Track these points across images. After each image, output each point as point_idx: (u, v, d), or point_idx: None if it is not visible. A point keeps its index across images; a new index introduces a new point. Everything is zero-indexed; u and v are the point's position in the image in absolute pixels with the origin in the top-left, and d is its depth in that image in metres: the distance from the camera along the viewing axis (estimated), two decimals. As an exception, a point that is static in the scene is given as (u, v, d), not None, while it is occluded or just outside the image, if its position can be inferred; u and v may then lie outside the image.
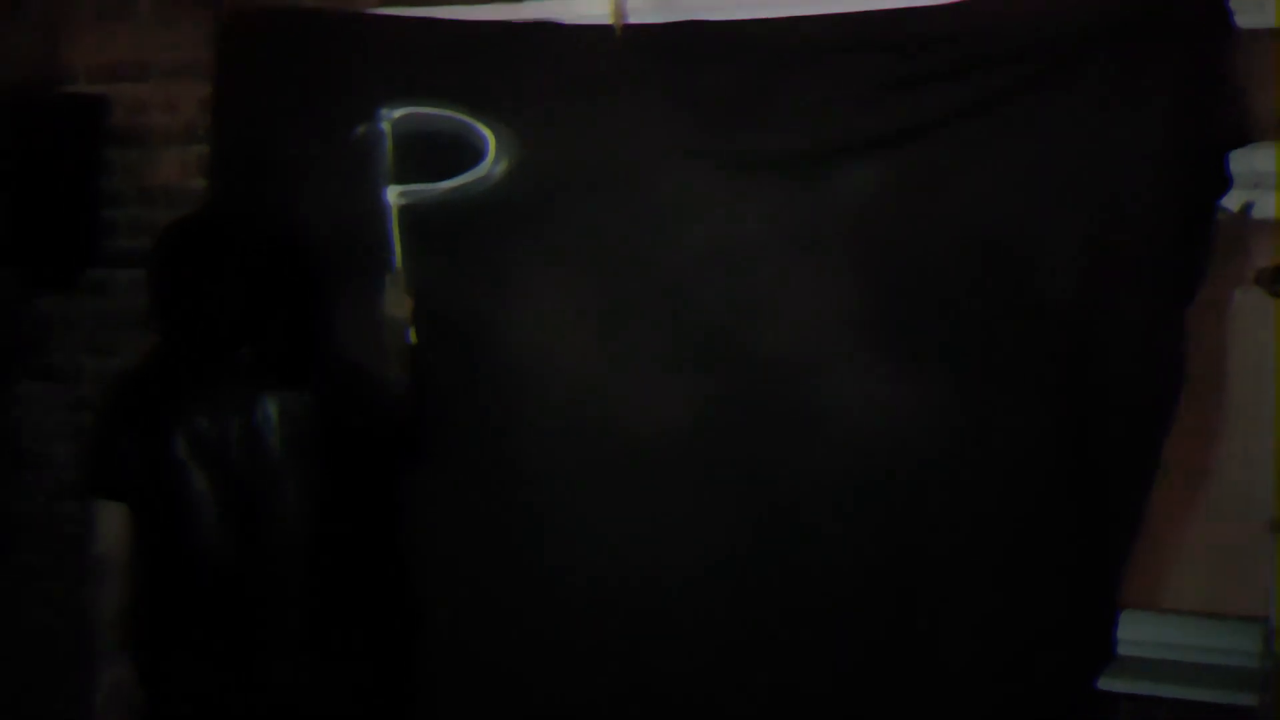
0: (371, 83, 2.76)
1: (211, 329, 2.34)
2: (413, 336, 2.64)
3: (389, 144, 2.74)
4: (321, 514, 2.35)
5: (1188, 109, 2.30)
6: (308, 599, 2.34)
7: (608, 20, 2.63)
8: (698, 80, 2.57)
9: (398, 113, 2.74)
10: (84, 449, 2.42)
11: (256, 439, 2.32)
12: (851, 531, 2.52)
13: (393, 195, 2.75)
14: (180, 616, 2.35)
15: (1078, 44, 2.37)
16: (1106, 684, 2.50)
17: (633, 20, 2.63)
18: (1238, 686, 2.47)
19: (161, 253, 2.41)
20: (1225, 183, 2.34)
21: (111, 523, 2.36)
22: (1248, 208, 2.41)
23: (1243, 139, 2.32)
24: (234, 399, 2.33)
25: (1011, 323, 2.42)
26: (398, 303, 2.64)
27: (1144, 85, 2.33)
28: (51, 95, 3.14)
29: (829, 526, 2.53)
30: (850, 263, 2.50)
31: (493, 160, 2.69)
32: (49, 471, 3.26)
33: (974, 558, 2.46)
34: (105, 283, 3.18)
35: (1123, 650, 2.54)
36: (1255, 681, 2.43)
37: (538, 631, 2.64)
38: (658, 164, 2.59)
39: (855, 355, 2.50)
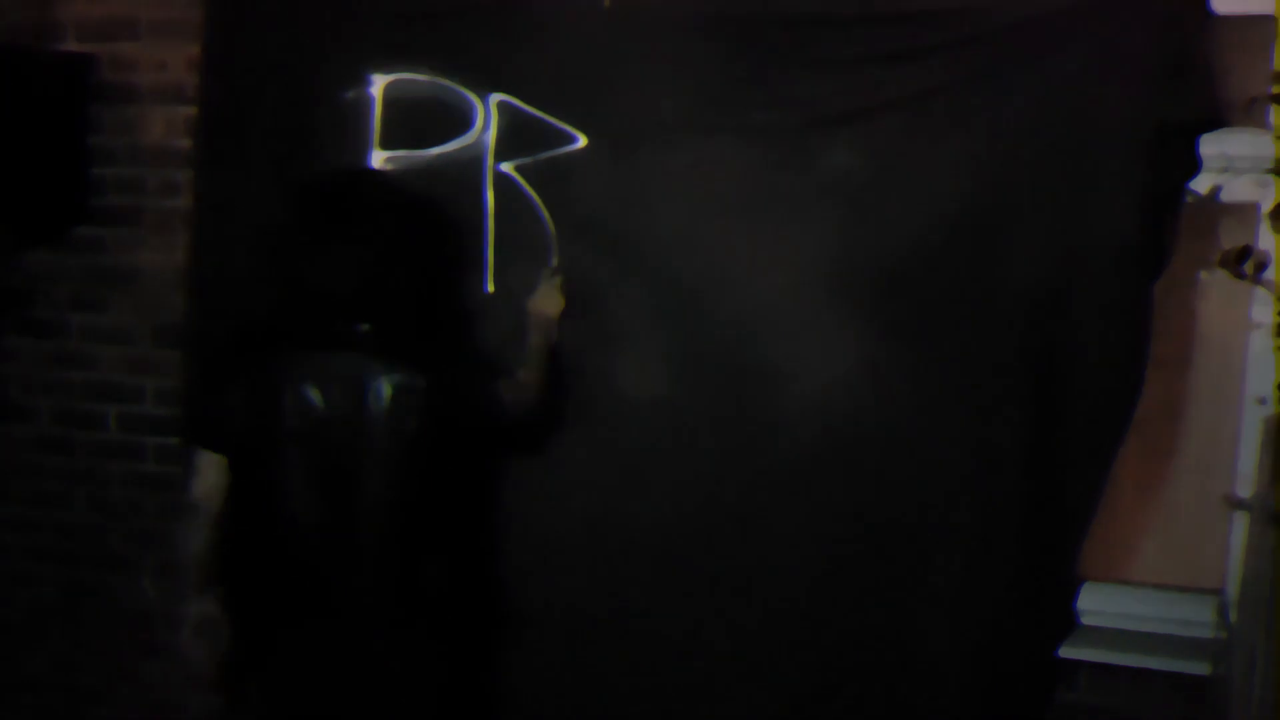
0: (360, 47, 2.78)
1: (334, 297, 2.28)
2: (557, 334, 2.62)
3: (377, 109, 2.76)
4: (410, 498, 2.32)
5: (1162, 92, 2.34)
6: (384, 575, 2.32)
7: (599, -7, 2.65)
8: (684, 54, 2.59)
9: (387, 78, 2.76)
10: (189, 396, 2.40)
11: (362, 417, 2.28)
12: (815, 499, 2.57)
13: (378, 160, 2.78)
14: (261, 571, 2.35)
15: (1056, 24, 2.40)
16: (1068, 652, 2.56)
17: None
18: (1194, 656, 2.52)
19: (291, 213, 2.35)
20: (1195, 165, 2.39)
21: (209, 472, 2.37)
22: (1216, 191, 2.45)
23: (1215, 123, 2.36)
24: (346, 373, 2.29)
25: (981, 297, 2.46)
26: (550, 300, 2.62)
27: (1119, 67, 2.36)
28: (41, 52, 3.12)
29: (793, 492, 2.58)
30: (826, 234, 2.54)
31: (480, 128, 2.72)
32: (33, 424, 3.28)
33: (937, 528, 2.51)
34: (92, 239, 3.18)
35: (1084, 620, 2.63)
36: (1210, 651, 2.49)
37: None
38: (642, 135, 2.62)
39: (826, 323, 2.54)
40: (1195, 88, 2.34)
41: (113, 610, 3.25)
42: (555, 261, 2.67)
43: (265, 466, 2.31)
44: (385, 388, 2.28)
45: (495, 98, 2.71)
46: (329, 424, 2.28)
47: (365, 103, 2.77)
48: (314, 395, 2.28)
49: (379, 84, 2.77)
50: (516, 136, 2.70)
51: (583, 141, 2.66)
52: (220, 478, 2.37)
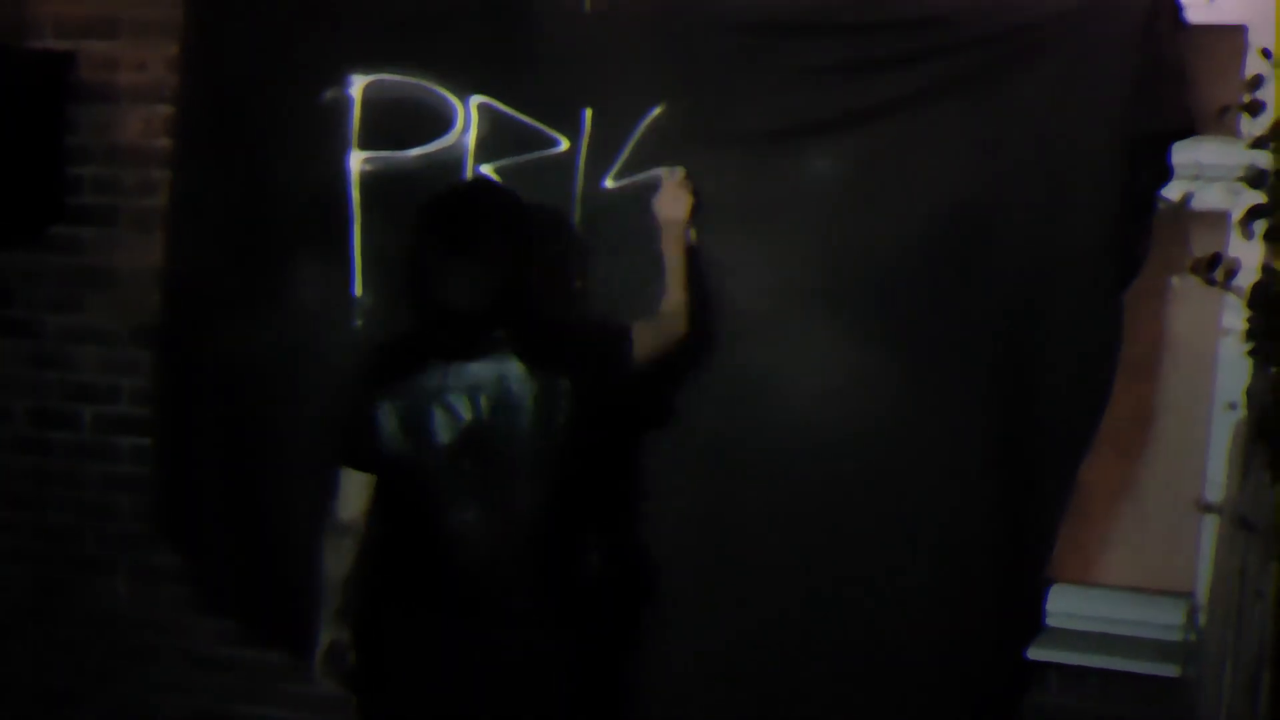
0: (340, 48, 2.78)
1: (471, 307, 2.25)
2: (693, 235, 2.56)
3: (356, 110, 2.76)
4: (566, 496, 2.32)
5: (1135, 100, 2.36)
6: (546, 577, 2.32)
7: (581, -6, 2.66)
8: (666, 58, 2.60)
9: (366, 79, 2.76)
10: (340, 417, 2.37)
11: (510, 422, 2.27)
12: (786, 501, 2.59)
13: (357, 161, 2.78)
14: (410, 582, 2.35)
15: (1031, 32, 2.42)
16: (1037, 654, 2.58)
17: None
18: (1163, 658, 2.53)
19: (421, 226, 2.31)
20: (1167, 173, 2.42)
21: (357, 492, 2.37)
22: (1187, 198, 2.47)
23: (1187, 131, 2.39)
24: (489, 380, 2.28)
25: (955, 301, 2.48)
26: (675, 201, 2.55)
27: (1093, 75, 2.39)
28: (18, 50, 3.10)
29: (764, 494, 2.60)
30: (804, 241, 2.55)
31: (460, 129, 2.72)
32: (8, 425, 3.25)
33: (908, 528, 2.53)
34: (70, 239, 3.16)
35: (1053, 622, 2.64)
36: (1179, 654, 2.51)
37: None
38: (623, 139, 2.62)
39: (803, 324, 2.56)
40: (1168, 96, 2.37)
41: (87, 611, 3.24)
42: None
43: (418, 481, 2.31)
44: (529, 390, 2.28)
45: (476, 99, 2.71)
46: (480, 433, 2.28)
47: (344, 103, 2.77)
48: (462, 406, 2.28)
49: (358, 85, 2.77)
50: (497, 139, 2.71)
51: (564, 145, 2.67)
52: (367, 499, 2.37)
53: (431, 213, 2.33)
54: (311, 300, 2.86)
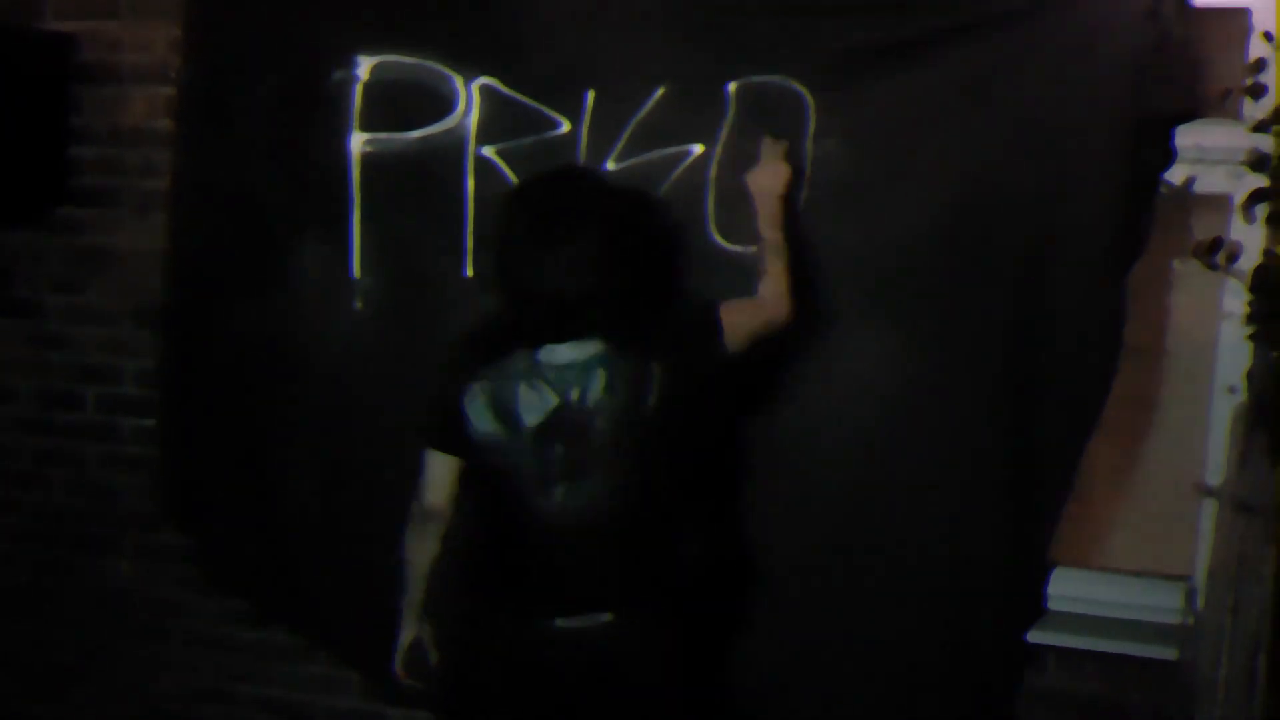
0: (347, 29, 2.77)
1: (562, 290, 2.19)
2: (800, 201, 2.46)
3: (360, 90, 2.76)
4: (660, 482, 2.27)
5: (1138, 82, 2.36)
6: (626, 566, 2.26)
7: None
8: (669, 42, 2.59)
9: (373, 59, 2.76)
10: (428, 400, 2.32)
11: (597, 402, 2.22)
12: (792, 487, 2.59)
13: (358, 143, 2.77)
14: (497, 575, 2.30)
15: (1034, 13, 2.40)
16: (1037, 637, 2.58)
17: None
18: (1161, 641, 2.54)
19: (514, 210, 2.28)
20: (1170, 156, 2.41)
21: (444, 478, 2.32)
22: (1190, 182, 2.47)
23: (1191, 114, 2.38)
24: (581, 366, 2.22)
25: (957, 285, 2.47)
26: (773, 174, 2.43)
27: (1097, 57, 2.38)
28: (20, 30, 3.10)
29: (771, 481, 2.60)
30: (808, 221, 2.53)
31: (462, 111, 2.72)
32: (11, 405, 3.27)
33: (913, 511, 2.53)
34: (72, 220, 3.17)
35: (1053, 605, 2.64)
36: (1178, 637, 2.51)
37: None
38: (625, 122, 2.62)
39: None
40: (1172, 79, 2.36)
41: (90, 591, 3.25)
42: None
43: (506, 466, 2.25)
44: (619, 374, 2.22)
45: (479, 81, 2.70)
46: (570, 417, 2.22)
47: (350, 84, 2.77)
48: (552, 389, 2.23)
49: (365, 65, 2.77)
50: (499, 120, 2.70)
51: (566, 127, 2.66)
52: (453, 483, 2.32)
53: (524, 196, 2.30)
54: (312, 281, 2.85)
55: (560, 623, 2.24)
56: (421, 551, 2.35)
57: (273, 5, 2.85)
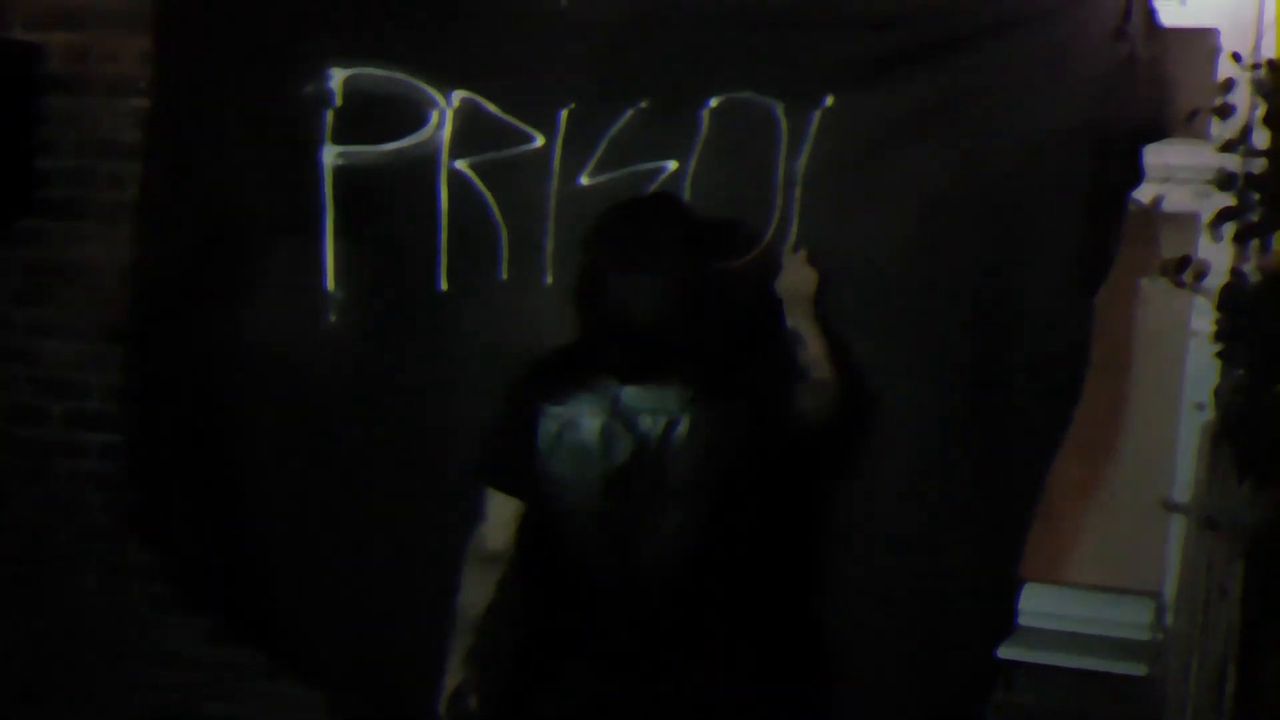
0: (319, 41, 2.77)
1: (646, 324, 2.12)
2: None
3: (336, 103, 2.75)
4: (730, 527, 2.18)
5: (1107, 100, 2.38)
6: (695, 612, 2.18)
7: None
8: (641, 54, 2.60)
9: (346, 72, 2.75)
10: (487, 435, 2.24)
11: (677, 452, 2.13)
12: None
13: (331, 155, 2.77)
14: (559, 625, 2.21)
15: (1004, 30, 2.42)
16: (1006, 653, 2.59)
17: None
18: (1130, 657, 2.55)
19: (600, 238, 2.19)
20: (1138, 174, 2.43)
21: (507, 519, 2.20)
22: (1158, 200, 2.49)
23: (1159, 133, 2.41)
24: (661, 409, 2.14)
25: (926, 300, 2.49)
26: (802, 277, 2.44)
27: (1066, 75, 2.40)
28: (-14, 41, 3.09)
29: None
30: (783, 238, 2.54)
31: (436, 124, 2.71)
32: (-27, 420, 3.24)
33: (881, 526, 2.53)
34: (38, 232, 3.13)
35: (1023, 621, 2.65)
36: (1147, 652, 2.53)
37: None
38: (598, 136, 2.62)
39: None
40: (1140, 98, 2.39)
41: (56, 608, 3.21)
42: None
43: (576, 509, 2.16)
44: (705, 421, 2.14)
45: (455, 94, 2.70)
46: (646, 459, 2.14)
47: (322, 96, 2.76)
48: (628, 429, 2.15)
49: (338, 78, 2.76)
50: (473, 134, 2.70)
51: (540, 141, 2.66)
52: (513, 524, 2.20)
53: (611, 225, 2.21)
54: (284, 295, 2.84)
55: (625, 679, 2.15)
56: (480, 597, 2.24)
57: (244, 17, 2.84)
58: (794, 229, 2.55)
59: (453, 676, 2.30)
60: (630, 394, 2.15)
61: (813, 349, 2.38)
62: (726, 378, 2.20)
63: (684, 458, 2.14)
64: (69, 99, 3.09)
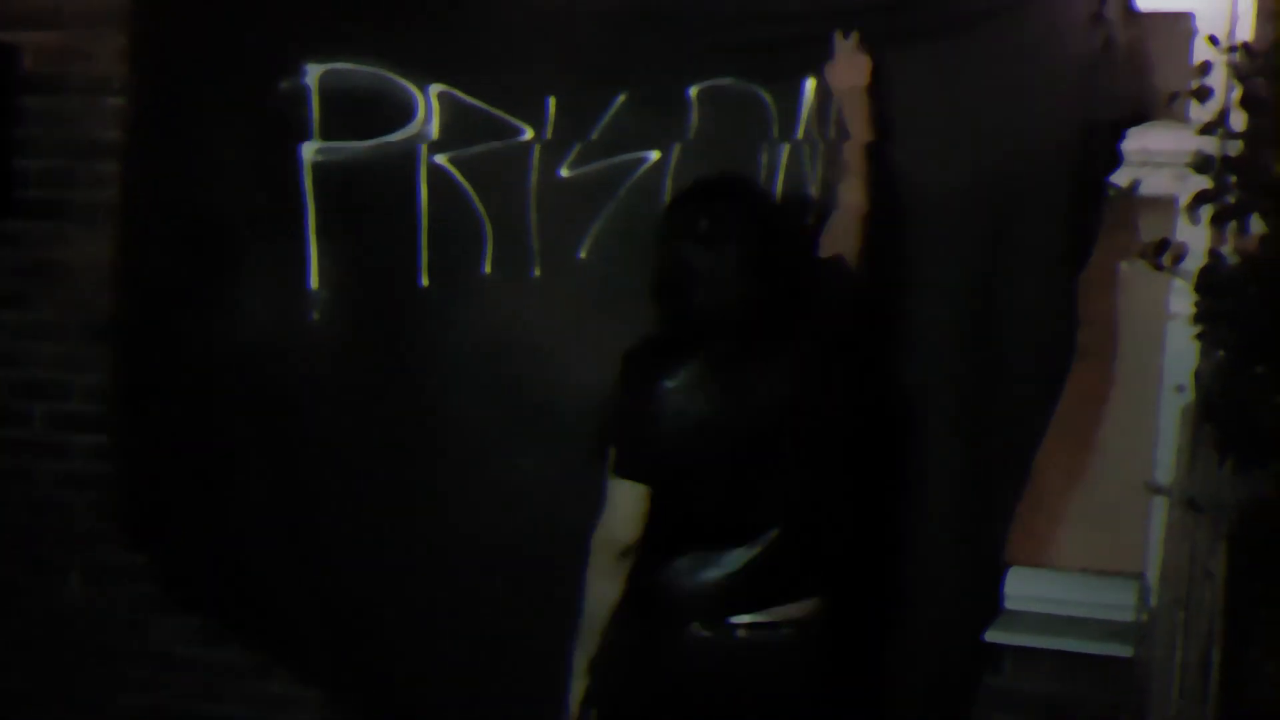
0: (293, 36, 2.77)
1: (725, 310, 2.14)
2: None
3: (314, 99, 2.75)
4: (837, 494, 2.22)
5: (1087, 86, 2.40)
6: (810, 567, 2.20)
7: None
8: (623, 45, 2.61)
9: (322, 68, 2.75)
10: (605, 424, 2.21)
11: (783, 410, 2.15)
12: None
13: (311, 151, 2.76)
14: (682, 585, 2.18)
15: (983, 18, 2.44)
16: (994, 637, 2.61)
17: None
18: (1116, 639, 2.56)
19: (678, 226, 2.20)
20: (1117, 159, 2.46)
21: (633, 508, 2.15)
22: (1136, 184, 2.50)
23: (1139, 117, 2.43)
24: (759, 370, 2.15)
25: (912, 286, 2.50)
26: (853, 67, 2.43)
27: (1046, 61, 2.42)
28: (-39, 42, 3.08)
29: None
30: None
31: (422, 119, 2.71)
32: (-48, 421, 3.23)
33: (866, 514, 2.47)
34: (18, 233, 3.13)
35: (1009, 605, 2.67)
36: (1131, 634, 2.54)
37: None
38: (582, 129, 2.63)
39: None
40: (1119, 82, 2.41)
41: (42, 610, 3.21)
42: (489, 256, 2.63)
43: (699, 492, 2.16)
44: (778, 385, 2.15)
45: (435, 88, 2.71)
46: (760, 422, 2.15)
47: (300, 93, 2.76)
48: (736, 398, 2.15)
49: (314, 74, 2.76)
50: (460, 127, 2.70)
51: (528, 133, 2.67)
52: (642, 513, 2.15)
53: (689, 209, 2.21)
54: (267, 293, 2.84)
55: (745, 627, 2.15)
56: (609, 594, 2.18)
57: (219, 14, 2.83)
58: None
59: (579, 685, 2.23)
60: (728, 363, 2.15)
61: (854, 155, 2.39)
62: (820, 339, 2.22)
63: (789, 415, 2.16)
64: (47, 99, 3.09)
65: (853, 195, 2.39)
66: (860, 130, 2.42)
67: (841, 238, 2.37)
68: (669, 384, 2.14)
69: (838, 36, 2.47)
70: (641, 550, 2.17)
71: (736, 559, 2.17)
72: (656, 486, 2.15)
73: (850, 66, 2.45)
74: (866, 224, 2.38)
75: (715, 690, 2.18)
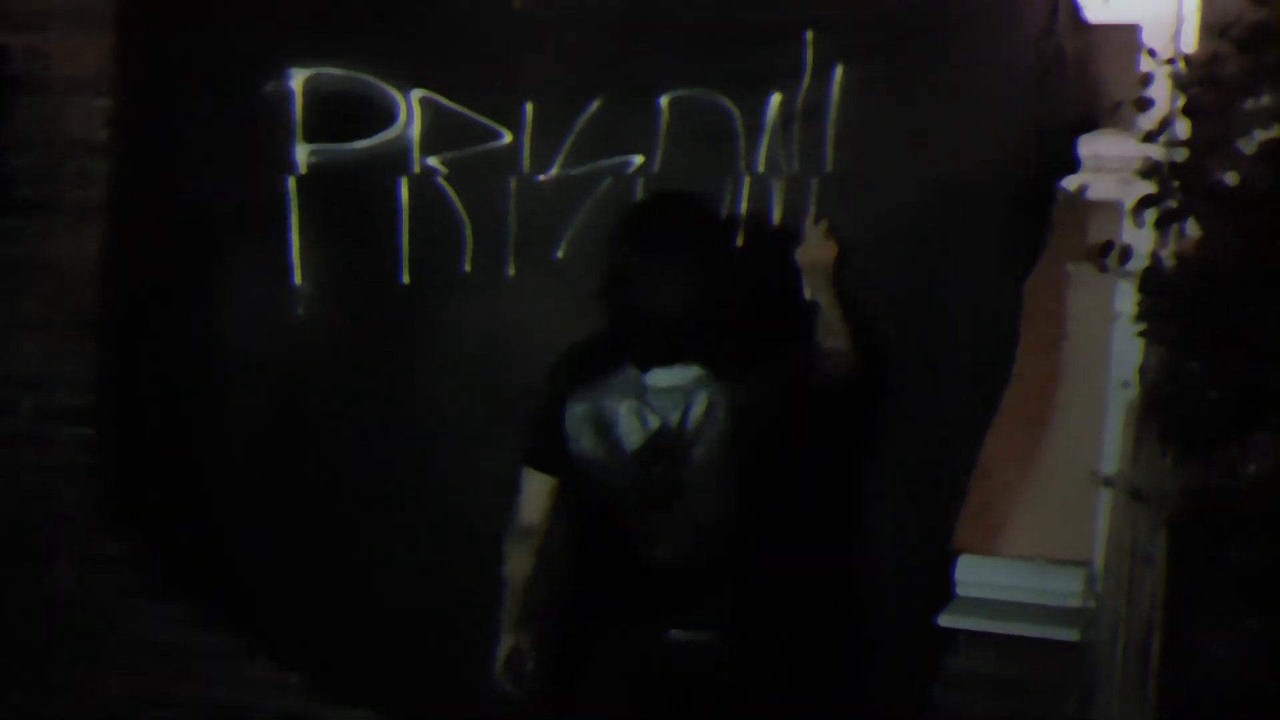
0: (278, 41, 2.81)
1: (668, 313, 2.23)
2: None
3: (298, 102, 2.80)
4: (750, 504, 2.29)
5: (1037, 94, 2.48)
6: (720, 588, 2.28)
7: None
8: (597, 50, 2.68)
9: (306, 72, 2.79)
10: (526, 418, 2.37)
11: (698, 432, 2.25)
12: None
13: (297, 153, 2.82)
14: (596, 590, 2.33)
15: (937, 26, 2.53)
16: (947, 621, 2.67)
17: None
18: (1063, 624, 2.62)
19: (624, 232, 2.30)
20: (1072, 164, 2.52)
21: (540, 495, 2.36)
22: (1083, 189, 2.56)
23: (1089, 124, 2.50)
24: (681, 390, 2.25)
25: (864, 282, 2.55)
26: (821, 249, 2.51)
27: (998, 69, 2.50)
28: (-50, 43, 3.12)
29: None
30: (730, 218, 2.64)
31: (404, 123, 2.76)
32: (-61, 416, 3.25)
33: (820, 504, 2.56)
34: (6, 230, 3.17)
35: (961, 591, 2.73)
36: (1078, 619, 2.59)
37: None
38: (560, 133, 2.70)
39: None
40: (1068, 91, 2.48)
41: (29, 599, 3.24)
42: (468, 255, 2.70)
43: (605, 486, 2.29)
44: (720, 399, 2.25)
45: (418, 94, 2.76)
46: (670, 440, 2.26)
47: (284, 96, 2.80)
48: (653, 412, 2.27)
49: (298, 78, 2.80)
50: (441, 131, 2.75)
51: (507, 137, 2.72)
52: (549, 501, 2.36)
53: (635, 219, 2.34)
54: (252, 289, 2.89)
55: (671, 634, 2.27)
56: (519, 566, 2.37)
57: (205, 18, 2.88)
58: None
59: (505, 641, 2.39)
60: (654, 377, 2.27)
61: (830, 319, 2.45)
62: (743, 356, 2.30)
63: (704, 438, 2.26)
64: (34, 98, 3.12)
65: (835, 347, 2.44)
66: (828, 303, 2.47)
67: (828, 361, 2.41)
68: (580, 391, 2.28)
69: (808, 222, 2.56)
70: (573, 540, 2.31)
71: (656, 558, 2.27)
72: (564, 479, 2.30)
73: (819, 248, 2.53)
74: (857, 366, 2.43)
75: (647, 688, 2.28)
